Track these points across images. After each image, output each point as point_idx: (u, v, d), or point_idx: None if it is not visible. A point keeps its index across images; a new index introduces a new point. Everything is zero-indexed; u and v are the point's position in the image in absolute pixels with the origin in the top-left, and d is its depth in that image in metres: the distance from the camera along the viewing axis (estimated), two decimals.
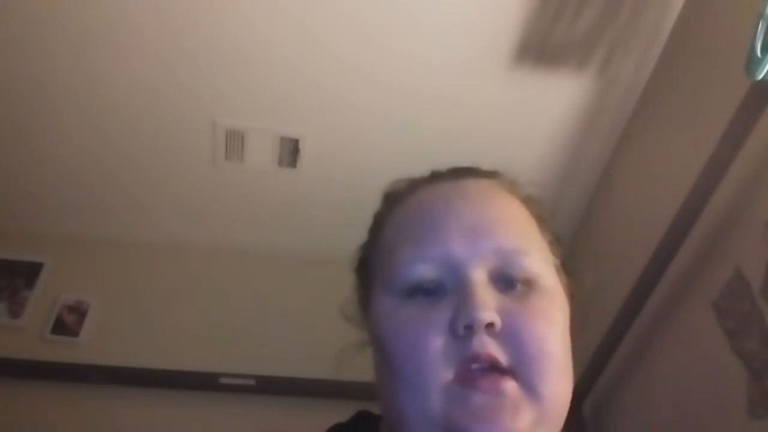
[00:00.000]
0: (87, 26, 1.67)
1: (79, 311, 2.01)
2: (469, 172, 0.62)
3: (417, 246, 0.54)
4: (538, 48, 1.72)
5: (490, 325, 0.49)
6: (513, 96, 1.82)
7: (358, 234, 0.66)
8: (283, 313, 2.04)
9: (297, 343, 1.92)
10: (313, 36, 1.70)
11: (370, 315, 0.58)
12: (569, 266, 0.60)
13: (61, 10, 1.64)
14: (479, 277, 0.52)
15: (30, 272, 2.07)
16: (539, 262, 0.55)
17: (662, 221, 1.51)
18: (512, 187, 0.62)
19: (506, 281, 0.53)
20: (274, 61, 1.75)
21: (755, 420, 1.24)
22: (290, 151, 1.94)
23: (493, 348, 0.49)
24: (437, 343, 0.50)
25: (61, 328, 1.97)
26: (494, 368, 0.49)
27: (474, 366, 0.49)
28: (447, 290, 0.52)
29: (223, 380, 1.90)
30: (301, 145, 1.93)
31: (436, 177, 0.62)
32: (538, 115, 1.89)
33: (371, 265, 0.60)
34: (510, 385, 0.48)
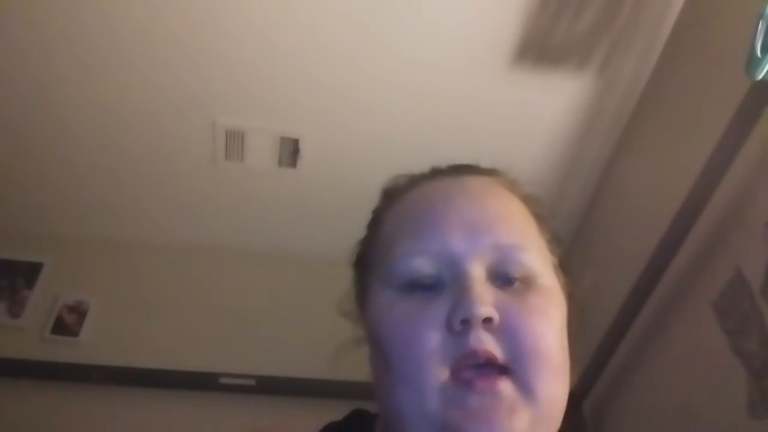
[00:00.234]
0: (87, 26, 1.67)
1: (79, 311, 2.01)
2: (469, 169, 0.62)
3: (415, 239, 0.54)
4: (538, 48, 1.72)
5: (487, 321, 0.49)
6: (513, 96, 1.82)
7: (358, 234, 0.66)
8: (283, 313, 2.05)
9: (297, 343, 1.92)
10: (313, 36, 1.70)
11: (366, 310, 0.57)
12: (567, 265, 0.59)
13: (61, 10, 1.64)
14: (477, 272, 0.51)
15: (30, 272, 2.07)
16: (537, 259, 0.54)
17: (662, 221, 1.51)
18: (512, 185, 0.62)
19: (504, 277, 0.52)
20: (274, 61, 1.75)
21: (755, 420, 1.24)
22: (290, 151, 1.94)
23: (489, 344, 0.49)
24: (434, 339, 0.49)
25: (61, 328, 1.97)
26: (490, 365, 0.48)
27: (470, 363, 0.48)
28: (444, 285, 0.52)
29: (223, 380, 1.90)
30: (301, 145, 1.93)
31: (436, 173, 0.62)
32: (538, 115, 1.89)
33: (369, 260, 0.60)
34: (506, 386, 0.48)
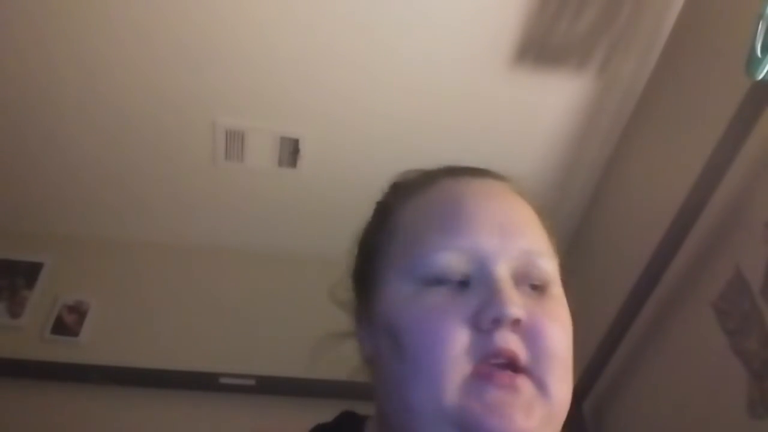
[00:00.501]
0: (87, 26, 1.67)
1: (79, 311, 2.01)
2: (487, 172, 0.63)
3: (445, 235, 0.54)
4: (538, 48, 1.72)
5: (516, 322, 0.50)
6: (513, 96, 1.82)
7: (357, 228, 0.66)
8: (283, 313, 2.04)
9: (297, 343, 1.92)
10: (313, 36, 1.70)
11: (377, 300, 0.57)
12: (567, 282, 0.61)
13: (61, 9, 1.64)
14: (506, 273, 0.52)
15: (30, 272, 2.07)
16: (554, 268, 0.56)
17: (662, 221, 1.51)
18: (524, 194, 0.62)
19: (526, 281, 0.54)
20: (274, 61, 1.75)
21: (755, 420, 1.24)
22: (290, 151, 1.94)
23: (515, 345, 0.50)
24: (461, 334, 0.50)
25: (61, 328, 1.97)
26: (512, 365, 0.50)
27: (493, 361, 0.49)
28: (471, 283, 0.52)
29: (223, 380, 1.89)
30: (301, 145, 1.93)
31: (456, 171, 0.62)
32: (538, 114, 1.89)
33: (381, 250, 0.59)
34: (525, 383, 0.49)
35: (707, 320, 1.41)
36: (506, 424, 0.47)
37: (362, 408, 0.65)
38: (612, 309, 1.66)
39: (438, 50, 1.73)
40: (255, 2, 1.64)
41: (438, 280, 0.53)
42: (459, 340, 0.50)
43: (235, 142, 1.92)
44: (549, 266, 0.55)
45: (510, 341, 0.50)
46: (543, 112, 1.89)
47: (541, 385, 0.50)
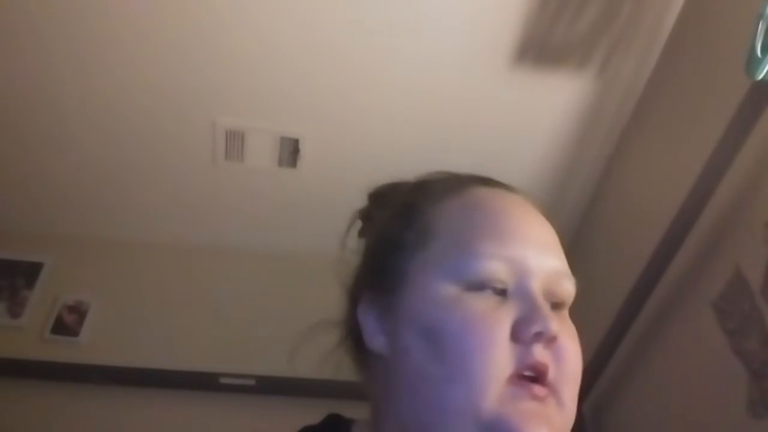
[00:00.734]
0: (87, 26, 1.67)
1: (79, 311, 2.01)
2: (516, 188, 0.64)
3: (497, 244, 0.56)
4: (538, 48, 1.72)
5: (553, 339, 0.53)
6: (513, 96, 1.82)
7: (354, 217, 0.66)
8: (283, 313, 2.04)
9: (306, 338, 1.92)
10: (313, 36, 1.70)
11: (405, 296, 0.57)
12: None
13: (61, 9, 1.64)
14: (540, 289, 0.55)
15: (30, 272, 2.07)
16: (574, 291, 0.59)
17: (662, 221, 1.51)
18: (547, 216, 0.64)
19: (549, 298, 0.56)
20: (274, 61, 1.75)
21: (755, 420, 1.24)
22: (290, 151, 1.94)
23: (548, 360, 0.53)
24: (505, 343, 0.52)
25: (61, 328, 1.97)
26: (540, 378, 0.52)
27: (527, 373, 0.52)
28: (508, 293, 0.55)
29: (223, 380, 1.90)
30: (301, 145, 1.93)
31: (487, 181, 0.64)
32: (538, 114, 1.89)
33: (409, 247, 0.59)
34: (550, 398, 0.52)
35: (707, 320, 1.41)
36: (537, 431, 0.50)
37: (366, 408, 0.65)
38: (612, 309, 1.66)
39: (438, 50, 1.73)
40: (255, 2, 1.64)
41: (481, 287, 0.54)
42: (503, 348, 0.52)
43: (235, 142, 1.92)
44: (571, 288, 0.58)
45: (545, 356, 0.53)
46: (543, 112, 1.89)
47: (559, 402, 0.53)
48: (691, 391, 1.45)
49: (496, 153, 1.93)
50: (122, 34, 1.69)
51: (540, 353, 0.52)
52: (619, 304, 1.64)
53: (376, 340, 0.59)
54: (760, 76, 1.12)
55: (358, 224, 0.70)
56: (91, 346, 1.95)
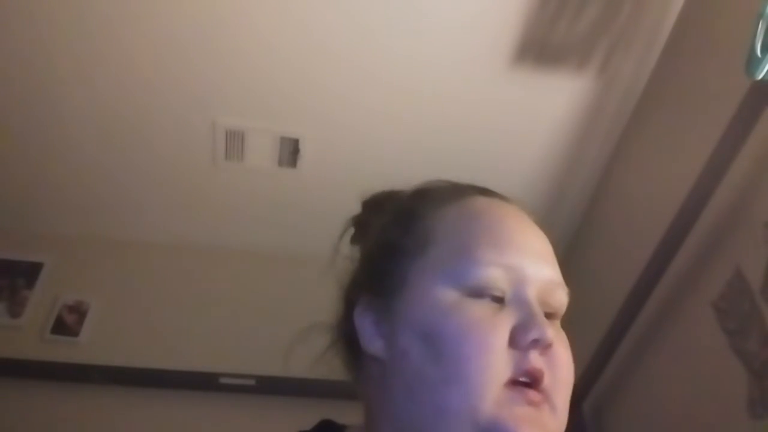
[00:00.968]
0: (87, 26, 1.67)
1: (79, 311, 2.01)
2: (513, 200, 0.66)
3: (495, 251, 0.57)
4: (538, 48, 1.72)
5: (549, 346, 0.54)
6: (513, 96, 1.82)
7: (350, 223, 0.66)
8: (283, 313, 2.04)
9: (297, 342, 1.92)
10: (313, 36, 1.70)
11: (403, 301, 0.58)
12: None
13: (61, 9, 1.64)
14: (536, 298, 0.57)
15: (30, 272, 2.07)
16: (567, 301, 0.60)
17: (662, 221, 1.51)
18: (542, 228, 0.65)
19: (543, 307, 0.57)
20: (274, 61, 1.75)
21: (755, 420, 1.24)
22: (290, 151, 1.94)
23: (543, 366, 0.54)
24: (503, 348, 0.53)
25: (61, 328, 1.97)
26: (535, 384, 0.53)
27: (523, 379, 0.53)
28: (505, 300, 0.56)
29: (223, 380, 1.89)
30: (301, 145, 1.93)
31: (485, 191, 0.65)
32: (538, 115, 1.89)
33: (408, 252, 0.60)
34: (545, 404, 0.54)
35: (707, 320, 1.41)
36: None
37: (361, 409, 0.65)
38: (612, 309, 1.66)
39: (438, 50, 1.73)
40: (255, 3, 1.64)
41: (480, 293, 0.56)
42: (501, 354, 0.53)
43: (235, 142, 1.92)
44: (564, 298, 0.60)
45: (540, 363, 0.54)
46: (543, 112, 1.89)
47: (553, 407, 0.54)
48: (691, 391, 1.45)
49: (496, 153, 1.93)
50: (122, 34, 1.69)
51: (536, 359, 0.54)
52: (619, 304, 1.64)
53: (373, 343, 0.60)
54: (760, 76, 1.12)
55: (351, 231, 0.71)
56: (91, 346, 1.95)
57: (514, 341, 0.54)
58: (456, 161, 1.82)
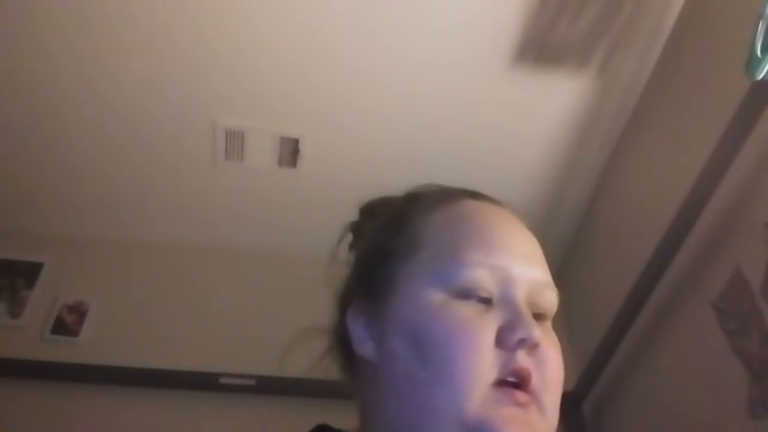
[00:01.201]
0: (87, 26, 1.67)
1: (79, 311, 2.01)
2: (505, 204, 0.66)
3: (483, 254, 0.57)
4: (538, 48, 1.72)
5: (536, 346, 0.54)
6: (513, 96, 1.82)
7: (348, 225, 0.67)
8: (283, 313, 2.04)
9: (297, 342, 1.92)
10: (313, 36, 1.70)
11: (392, 303, 0.59)
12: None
13: (61, 9, 1.64)
14: (524, 298, 0.57)
15: (30, 272, 2.07)
16: (556, 303, 0.60)
17: (662, 221, 1.51)
18: (533, 232, 0.66)
19: (532, 308, 0.57)
20: (274, 61, 1.75)
21: (755, 420, 1.24)
22: (290, 151, 1.94)
23: (531, 366, 0.54)
24: (489, 349, 0.54)
25: (61, 328, 1.97)
26: (523, 385, 0.53)
27: (510, 379, 0.53)
28: (493, 301, 0.56)
29: (223, 380, 1.89)
30: (301, 145, 1.93)
31: (476, 195, 0.65)
32: (538, 115, 1.89)
33: (399, 256, 0.61)
34: (532, 405, 0.54)
35: (707, 320, 1.41)
36: None
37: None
38: (612, 309, 1.66)
39: (438, 50, 1.73)
40: (255, 3, 1.64)
41: (467, 294, 0.56)
42: (487, 354, 0.53)
43: (235, 142, 1.92)
44: (554, 299, 0.60)
45: (528, 362, 0.54)
46: (543, 112, 1.89)
47: (541, 408, 0.54)
48: (691, 391, 1.45)
49: (495, 153, 1.93)
50: (122, 34, 1.69)
51: (523, 359, 0.54)
52: (619, 304, 1.64)
53: (364, 346, 0.61)
54: (760, 76, 1.12)
55: (349, 237, 0.72)
56: (91, 346, 1.95)
57: (500, 341, 0.54)
58: (456, 161, 1.82)
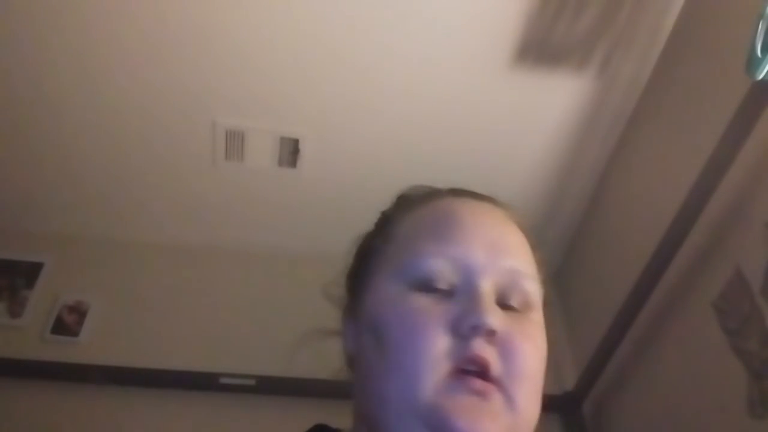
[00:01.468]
0: (87, 26, 1.67)
1: (79, 311, 2.01)
2: (490, 198, 0.65)
3: (439, 243, 0.57)
4: (538, 48, 1.72)
5: (491, 333, 0.52)
6: (513, 96, 1.82)
7: (359, 233, 0.67)
8: (283, 313, 2.04)
9: (302, 344, 1.92)
10: (313, 36, 1.70)
11: (366, 299, 0.60)
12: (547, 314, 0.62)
13: (61, 9, 1.64)
14: (489, 288, 0.55)
15: (30, 272, 2.07)
16: (538, 294, 0.59)
17: (662, 221, 1.51)
18: (522, 225, 0.64)
19: (508, 300, 0.56)
20: (274, 61, 1.75)
21: (755, 420, 1.24)
22: (290, 151, 1.95)
23: (489, 354, 0.52)
24: (441, 337, 0.52)
25: (61, 328, 1.97)
26: (484, 374, 0.52)
27: (468, 367, 0.51)
28: (455, 292, 0.55)
29: (223, 380, 1.89)
30: (301, 145, 1.93)
31: (459, 192, 0.65)
32: (539, 115, 1.89)
33: (376, 253, 0.62)
34: (496, 395, 0.52)
35: (707, 320, 1.41)
36: (473, 427, 0.50)
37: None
38: (612, 309, 1.66)
39: (438, 51, 1.73)
40: (255, 3, 1.64)
41: (425, 286, 0.55)
42: (439, 342, 0.52)
43: (235, 142, 1.92)
44: (532, 288, 0.57)
45: (485, 350, 0.52)
46: (543, 112, 1.89)
47: (509, 399, 0.52)
48: (691, 391, 1.46)
49: (496, 153, 1.93)
50: (122, 34, 1.69)
51: (480, 347, 0.52)
52: (620, 304, 1.64)
53: (348, 344, 0.62)
54: (760, 76, 1.12)
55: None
56: (91, 346, 1.95)
57: (455, 329, 0.52)
58: (456, 161, 1.82)
